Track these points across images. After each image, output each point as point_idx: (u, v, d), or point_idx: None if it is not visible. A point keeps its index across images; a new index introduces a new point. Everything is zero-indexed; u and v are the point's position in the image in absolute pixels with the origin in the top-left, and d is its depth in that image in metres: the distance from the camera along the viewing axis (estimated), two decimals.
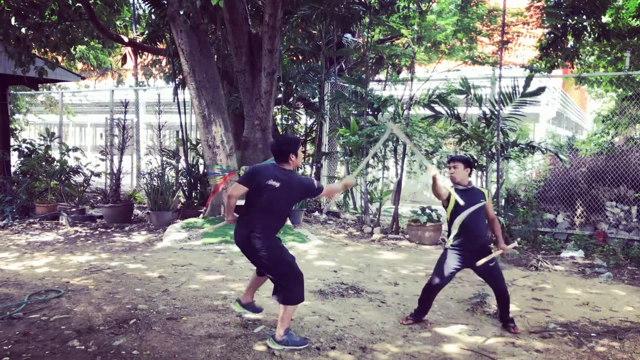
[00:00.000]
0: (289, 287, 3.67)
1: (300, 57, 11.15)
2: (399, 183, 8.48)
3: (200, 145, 9.76)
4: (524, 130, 8.35)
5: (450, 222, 4.21)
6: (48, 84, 15.76)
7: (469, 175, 4.21)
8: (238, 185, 3.74)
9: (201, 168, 9.96)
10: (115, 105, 11.44)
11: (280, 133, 11.12)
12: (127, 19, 12.35)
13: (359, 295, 5.06)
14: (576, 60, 8.82)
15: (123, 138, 9.81)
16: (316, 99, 10.67)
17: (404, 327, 4.21)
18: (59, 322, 4.10)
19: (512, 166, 8.25)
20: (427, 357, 3.63)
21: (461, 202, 3.96)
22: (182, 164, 10.11)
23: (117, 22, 11.83)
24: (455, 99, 8.30)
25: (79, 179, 10.50)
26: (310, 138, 11.71)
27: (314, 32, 11.16)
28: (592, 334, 4.12)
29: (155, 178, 9.43)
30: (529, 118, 10.45)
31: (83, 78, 13.08)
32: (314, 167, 10.86)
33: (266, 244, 3.65)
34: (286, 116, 11.35)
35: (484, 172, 7.78)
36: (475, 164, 7.92)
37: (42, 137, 10.49)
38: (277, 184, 3.60)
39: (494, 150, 7.41)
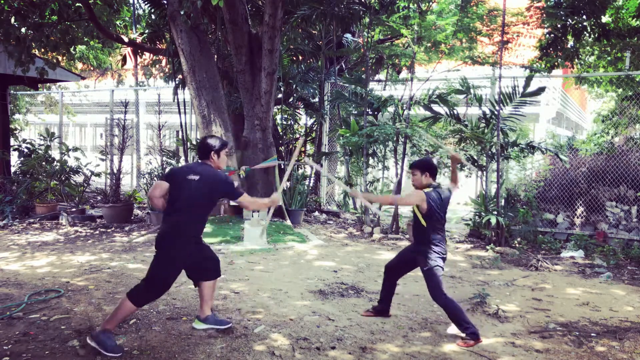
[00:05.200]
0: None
1: (300, 57, 11.15)
2: (399, 183, 8.48)
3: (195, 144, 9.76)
4: (524, 130, 8.35)
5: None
6: (48, 84, 15.76)
7: (432, 178, 4.08)
8: (159, 182, 3.76)
9: None
10: (115, 105, 11.44)
11: (280, 132, 11.13)
12: (127, 19, 12.36)
13: (359, 295, 5.06)
14: (576, 60, 8.82)
15: (123, 138, 9.81)
16: (316, 99, 10.66)
17: (404, 327, 4.21)
18: (59, 322, 4.11)
19: (512, 166, 8.24)
20: (427, 357, 3.63)
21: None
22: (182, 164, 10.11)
23: (117, 22, 11.83)
24: (455, 99, 8.30)
25: (79, 179, 10.50)
26: (310, 138, 11.71)
27: (314, 32, 11.15)
28: (592, 334, 4.12)
29: (155, 178, 9.43)
30: (529, 118, 10.46)
31: (83, 78, 13.08)
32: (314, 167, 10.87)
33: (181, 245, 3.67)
34: (286, 116, 11.35)
35: (484, 172, 7.78)
36: (475, 164, 7.93)
37: (42, 137, 10.49)
38: (197, 177, 3.66)
39: (494, 150, 7.41)
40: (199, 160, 3.87)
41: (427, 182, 4.06)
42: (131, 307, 3.62)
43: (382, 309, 4.45)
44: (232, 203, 8.56)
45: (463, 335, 3.89)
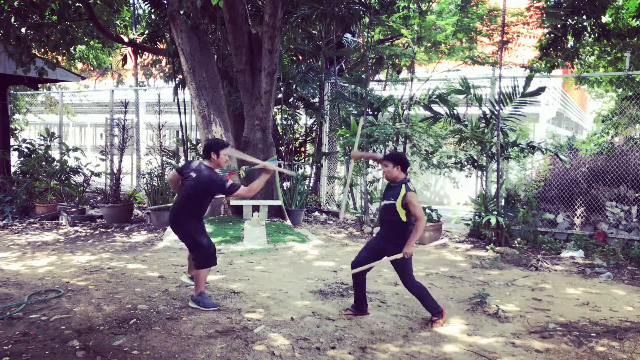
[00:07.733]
0: (196, 257, 4.51)
1: (300, 57, 11.15)
2: None
3: (200, 145, 9.77)
4: (524, 130, 8.35)
5: None
6: (48, 84, 15.76)
7: (403, 172, 4.25)
8: (173, 172, 4.70)
9: None
10: (115, 105, 11.44)
11: (280, 132, 11.13)
12: (127, 19, 12.35)
13: None
14: (576, 60, 8.82)
15: (123, 138, 9.81)
16: (316, 99, 10.66)
17: (404, 327, 4.22)
18: (59, 322, 4.10)
19: (512, 166, 8.24)
20: (427, 357, 3.63)
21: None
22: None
23: (117, 22, 11.83)
24: (455, 99, 8.30)
25: (79, 179, 10.50)
26: (310, 138, 11.71)
27: (314, 32, 11.15)
28: (592, 334, 4.12)
29: (155, 178, 9.43)
30: (529, 118, 10.45)
31: (83, 78, 13.08)
32: (314, 167, 10.87)
33: (183, 223, 4.49)
34: (286, 116, 11.35)
35: (484, 172, 7.78)
36: (475, 164, 7.93)
37: (42, 137, 10.49)
38: (194, 175, 4.38)
39: (494, 150, 7.41)
40: (201, 159, 4.50)
41: (398, 174, 4.24)
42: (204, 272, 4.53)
43: (361, 307, 4.45)
44: (232, 202, 8.57)
45: (434, 317, 4.24)
